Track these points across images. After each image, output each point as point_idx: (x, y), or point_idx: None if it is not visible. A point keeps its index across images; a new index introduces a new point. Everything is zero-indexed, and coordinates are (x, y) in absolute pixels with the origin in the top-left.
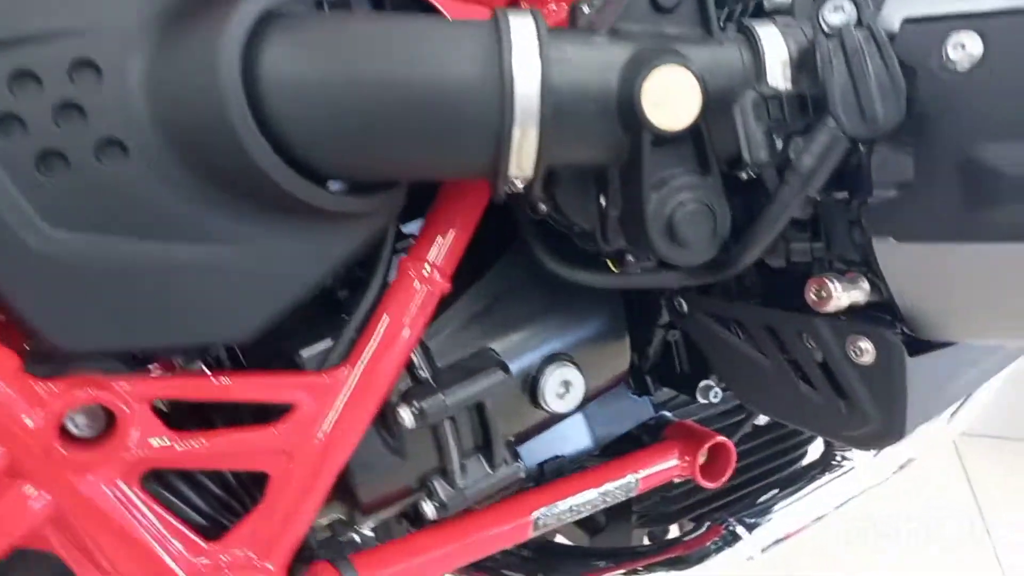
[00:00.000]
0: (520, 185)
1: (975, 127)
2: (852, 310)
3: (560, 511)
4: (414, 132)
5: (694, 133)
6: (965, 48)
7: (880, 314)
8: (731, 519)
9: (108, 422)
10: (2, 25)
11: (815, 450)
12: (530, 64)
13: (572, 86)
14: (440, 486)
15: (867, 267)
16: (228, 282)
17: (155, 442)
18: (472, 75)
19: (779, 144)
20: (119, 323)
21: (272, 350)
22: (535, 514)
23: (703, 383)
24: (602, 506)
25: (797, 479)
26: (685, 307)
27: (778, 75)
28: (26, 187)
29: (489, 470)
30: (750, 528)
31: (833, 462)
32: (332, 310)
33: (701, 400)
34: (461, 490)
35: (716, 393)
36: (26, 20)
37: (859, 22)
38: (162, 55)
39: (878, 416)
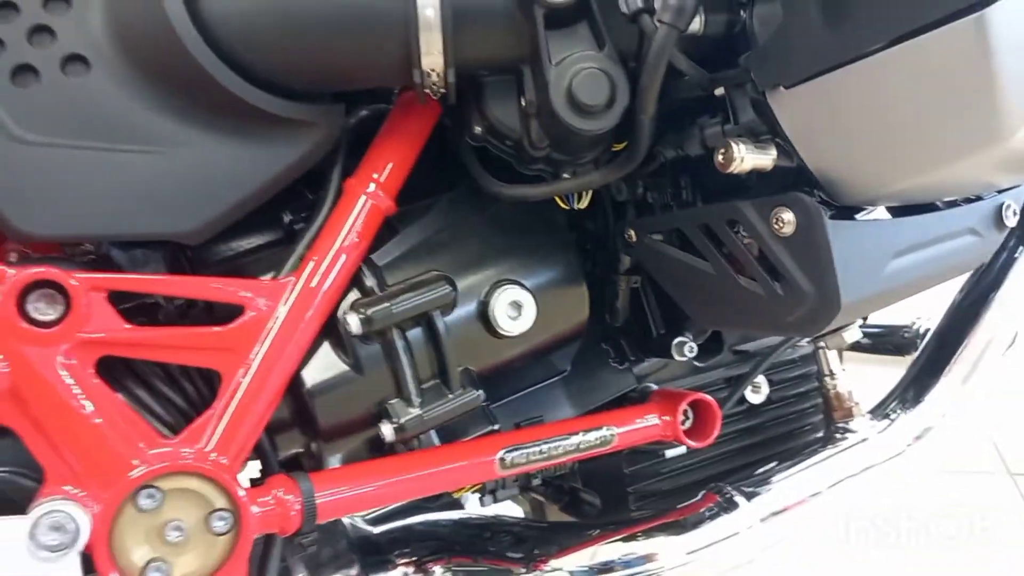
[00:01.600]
0: (436, 78)
1: None
2: (772, 185)
3: (528, 452)
4: (333, 35)
5: (585, 10)
6: None
7: (799, 185)
8: (728, 487)
9: (66, 310)
10: None
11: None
12: None
13: None
14: (398, 408)
15: (773, 132)
16: (177, 181)
17: (109, 328)
18: None
19: None
20: (78, 214)
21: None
22: (501, 452)
23: (676, 340)
24: (577, 455)
25: (797, 453)
26: (634, 235)
27: None
28: (3, 97)
29: (447, 394)
30: (749, 496)
31: (837, 435)
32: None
33: (677, 357)
34: (419, 413)
35: (691, 348)
36: None
37: None
38: None
39: (811, 288)
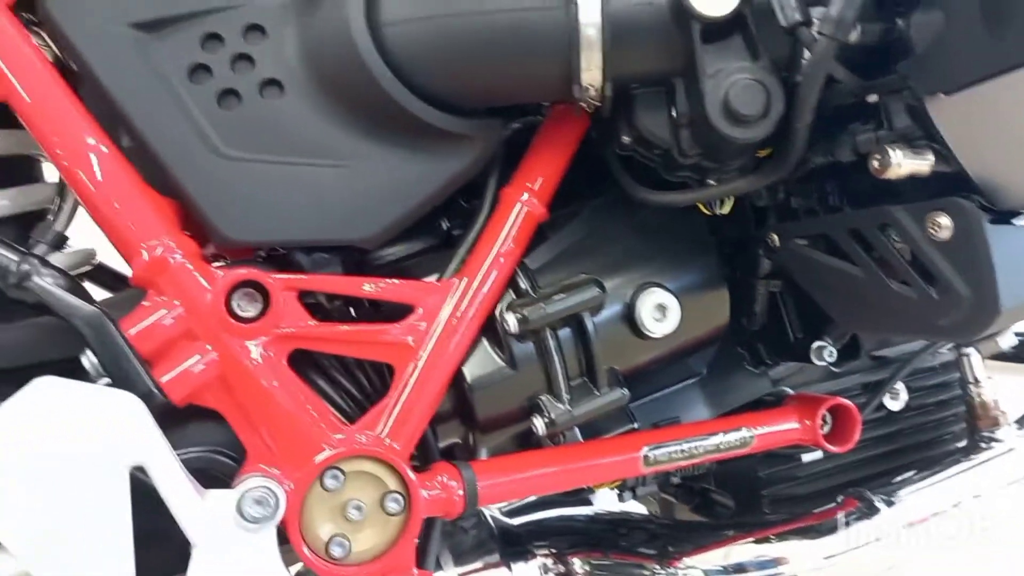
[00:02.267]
0: (593, 93)
1: None
2: (926, 189)
3: (671, 451)
4: (501, 57)
5: (740, 23)
6: None
7: (955, 190)
8: (868, 492)
9: (264, 308)
10: (197, 1)
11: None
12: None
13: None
14: (549, 404)
15: (930, 138)
16: (360, 191)
17: (299, 324)
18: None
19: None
20: (275, 221)
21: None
22: (644, 449)
23: (816, 344)
24: (717, 455)
25: (937, 462)
26: (777, 240)
27: None
28: (211, 118)
29: (595, 391)
30: (889, 503)
31: (982, 444)
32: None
33: (816, 362)
34: (568, 409)
35: (831, 352)
36: None
37: None
38: (307, 16)
39: (968, 292)
